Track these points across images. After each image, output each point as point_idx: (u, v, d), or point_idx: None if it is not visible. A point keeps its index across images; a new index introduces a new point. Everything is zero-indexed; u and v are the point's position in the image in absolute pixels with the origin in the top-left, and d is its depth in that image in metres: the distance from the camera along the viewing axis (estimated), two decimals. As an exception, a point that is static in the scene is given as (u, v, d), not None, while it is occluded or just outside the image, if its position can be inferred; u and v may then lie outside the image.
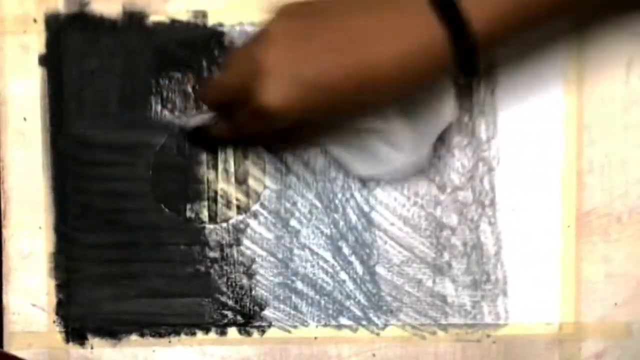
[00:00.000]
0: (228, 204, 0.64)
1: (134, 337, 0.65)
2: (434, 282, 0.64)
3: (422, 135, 0.60)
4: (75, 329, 0.65)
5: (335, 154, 0.63)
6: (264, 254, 0.64)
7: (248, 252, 0.64)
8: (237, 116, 0.56)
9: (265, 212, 0.64)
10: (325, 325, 0.64)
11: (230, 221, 0.64)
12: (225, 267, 0.64)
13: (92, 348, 0.65)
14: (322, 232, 0.64)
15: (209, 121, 0.62)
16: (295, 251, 0.64)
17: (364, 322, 0.64)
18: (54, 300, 0.64)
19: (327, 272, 0.64)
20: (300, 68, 0.52)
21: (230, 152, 0.64)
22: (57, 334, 0.65)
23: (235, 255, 0.64)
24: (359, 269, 0.64)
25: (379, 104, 0.58)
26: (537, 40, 0.62)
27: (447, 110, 0.60)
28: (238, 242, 0.64)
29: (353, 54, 0.52)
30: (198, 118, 0.63)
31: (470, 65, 0.53)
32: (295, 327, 0.64)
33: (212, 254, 0.64)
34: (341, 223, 0.64)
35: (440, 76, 0.56)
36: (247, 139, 0.61)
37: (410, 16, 0.52)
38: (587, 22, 0.62)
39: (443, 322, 0.64)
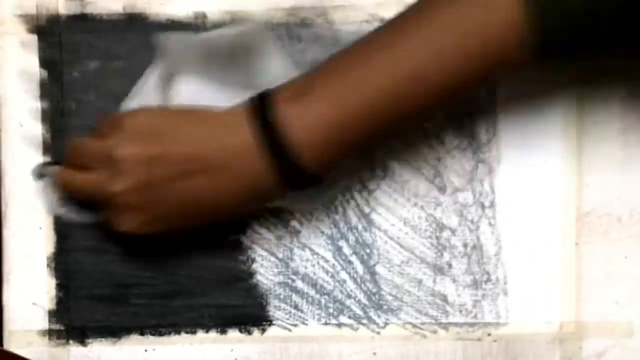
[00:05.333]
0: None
1: (134, 336, 0.65)
2: (434, 281, 0.64)
3: None
4: (76, 327, 0.65)
5: None
6: (265, 253, 0.64)
7: (248, 251, 0.64)
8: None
9: (265, 212, 0.64)
10: (326, 324, 0.64)
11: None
12: (225, 266, 0.64)
13: (92, 347, 0.65)
14: (322, 232, 0.64)
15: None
16: (296, 251, 0.64)
17: (364, 321, 0.64)
18: (54, 299, 0.64)
19: (327, 272, 0.64)
20: (149, 208, 0.57)
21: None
22: (57, 333, 0.64)
23: (235, 254, 0.64)
24: (360, 269, 0.64)
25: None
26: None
27: None
28: (238, 242, 0.64)
29: (191, 185, 0.56)
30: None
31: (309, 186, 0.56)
32: (295, 325, 0.64)
33: (212, 254, 0.64)
34: (341, 223, 0.64)
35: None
36: None
37: (237, 147, 0.55)
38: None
39: (444, 320, 0.64)
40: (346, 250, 0.64)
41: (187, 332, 0.65)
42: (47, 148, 0.64)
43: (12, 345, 0.64)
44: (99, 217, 0.61)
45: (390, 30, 0.54)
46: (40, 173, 0.64)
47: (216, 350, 0.65)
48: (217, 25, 0.63)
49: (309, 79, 0.55)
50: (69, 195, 0.62)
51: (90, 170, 0.58)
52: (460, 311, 0.64)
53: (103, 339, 0.65)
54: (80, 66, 0.63)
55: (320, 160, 0.54)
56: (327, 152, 0.54)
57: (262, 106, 0.55)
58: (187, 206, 0.57)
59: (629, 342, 0.63)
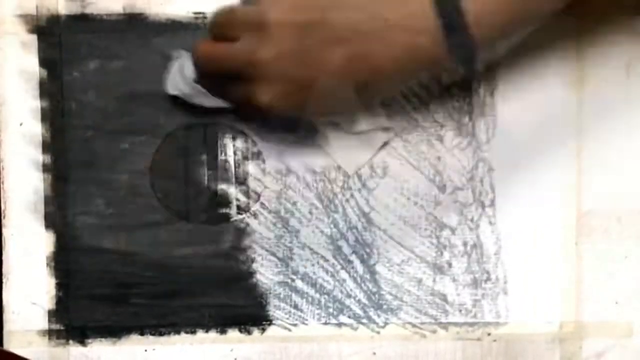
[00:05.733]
0: (228, 204, 0.64)
1: (133, 335, 0.65)
2: (434, 281, 0.64)
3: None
4: (75, 327, 0.65)
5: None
6: (264, 253, 0.64)
7: (248, 251, 0.64)
8: (231, 91, 0.59)
9: (265, 212, 0.64)
10: (326, 323, 0.64)
11: (230, 221, 0.64)
12: (225, 266, 0.64)
13: (92, 347, 0.65)
14: (322, 232, 0.64)
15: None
16: (295, 250, 0.64)
17: (364, 321, 0.64)
18: (53, 299, 0.64)
19: (327, 271, 0.64)
20: (299, 70, 0.54)
21: (230, 153, 0.63)
22: (57, 333, 0.64)
23: (235, 254, 0.64)
24: (359, 268, 0.64)
25: (375, 97, 0.60)
26: (537, 41, 0.62)
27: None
28: (238, 242, 0.64)
29: (354, 49, 0.53)
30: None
31: (468, 62, 0.54)
32: (295, 325, 0.64)
33: (212, 253, 0.64)
34: (341, 223, 0.64)
35: (436, 71, 0.57)
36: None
37: (411, 10, 0.52)
38: (587, 22, 0.62)
39: (443, 320, 0.64)
40: (346, 249, 0.64)
41: (187, 332, 0.65)
42: (47, 147, 0.64)
43: (12, 345, 0.64)
44: (227, 101, 0.60)
45: None
46: (172, 56, 0.62)
47: (216, 350, 0.65)
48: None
49: None
50: (202, 75, 0.60)
51: (235, 40, 0.56)
52: (460, 311, 0.64)
53: (103, 339, 0.65)
54: (80, 66, 0.64)
55: (487, 32, 0.53)
56: (496, 24, 0.53)
57: None
58: (334, 77, 0.54)
59: (629, 342, 0.63)
